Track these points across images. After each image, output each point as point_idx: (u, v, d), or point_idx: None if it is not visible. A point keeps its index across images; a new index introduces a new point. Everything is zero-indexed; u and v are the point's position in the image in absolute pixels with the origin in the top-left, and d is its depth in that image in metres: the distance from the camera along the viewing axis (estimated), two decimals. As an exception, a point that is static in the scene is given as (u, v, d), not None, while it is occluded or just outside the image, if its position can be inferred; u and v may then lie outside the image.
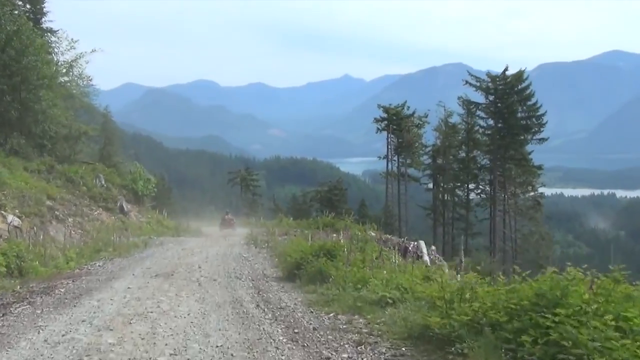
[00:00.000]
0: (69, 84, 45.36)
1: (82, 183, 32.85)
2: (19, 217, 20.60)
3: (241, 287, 14.03)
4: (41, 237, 19.17)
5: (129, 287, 13.34)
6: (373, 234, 32.11)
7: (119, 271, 16.43)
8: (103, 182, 35.71)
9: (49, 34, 45.18)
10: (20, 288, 12.91)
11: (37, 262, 15.62)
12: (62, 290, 12.87)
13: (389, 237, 32.94)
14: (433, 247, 31.11)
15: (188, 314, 10.61)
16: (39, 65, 31.90)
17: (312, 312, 11.16)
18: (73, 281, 14.07)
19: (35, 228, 20.32)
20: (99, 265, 17.74)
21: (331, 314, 10.84)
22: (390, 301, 11.03)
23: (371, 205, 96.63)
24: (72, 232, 25.23)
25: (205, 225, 51.23)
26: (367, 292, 11.87)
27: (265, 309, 11.30)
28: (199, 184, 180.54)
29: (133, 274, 15.61)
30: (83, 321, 9.82)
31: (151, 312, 10.64)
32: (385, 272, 13.81)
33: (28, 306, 11.20)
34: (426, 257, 28.52)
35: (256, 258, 20.72)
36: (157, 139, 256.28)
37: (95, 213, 30.30)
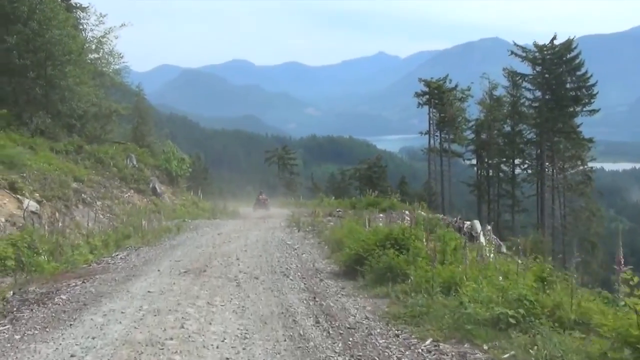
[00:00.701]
0: (99, 61, 43.55)
1: (113, 164, 31.09)
2: (39, 202, 18.76)
3: (291, 289, 11.34)
4: (60, 223, 17.22)
5: (149, 291, 10.81)
6: (423, 213, 29.94)
7: (143, 266, 14.20)
8: (135, 163, 33.89)
9: (78, 10, 43.43)
10: (13, 294, 10.42)
11: (43, 257, 13.24)
12: (64, 297, 10.29)
13: (441, 216, 30.63)
14: (489, 227, 28.73)
15: (222, 340, 7.76)
16: (64, 40, 30.00)
17: (397, 335, 8.13)
18: (83, 282, 11.73)
19: (57, 213, 18.48)
20: (121, 258, 15.61)
21: (428, 341, 7.70)
22: (512, 321, 7.63)
23: (410, 182, 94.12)
24: (101, 216, 23.43)
25: (242, 206, 49.55)
26: (471, 305, 8.31)
27: (330, 330, 8.37)
28: (236, 164, 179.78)
29: (158, 270, 13.35)
30: (72, 357, 7.06)
31: (171, 339, 7.68)
32: (479, 271, 10.66)
33: (9, 326, 8.50)
34: (482, 238, 26.26)
35: (302, 245, 18.30)
36: (193, 119, 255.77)
37: (126, 195, 28.50)
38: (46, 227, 16.16)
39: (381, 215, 29.32)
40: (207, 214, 34.20)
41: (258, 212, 40.35)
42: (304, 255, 16.32)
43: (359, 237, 14.07)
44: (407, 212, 29.76)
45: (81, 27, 42.66)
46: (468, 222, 28.14)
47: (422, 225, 17.32)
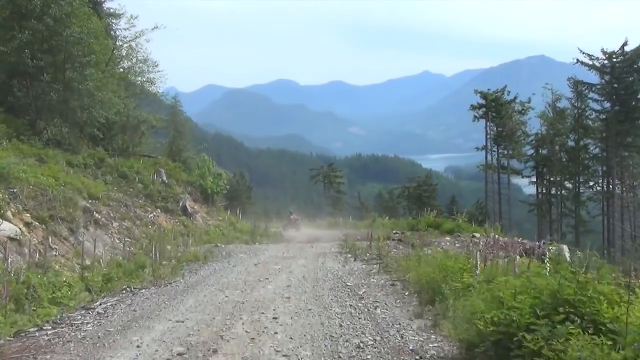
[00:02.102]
0: (131, 70, 40.21)
1: (138, 179, 27.41)
2: (28, 224, 14.93)
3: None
4: (55, 252, 13.38)
5: None
6: (497, 236, 25.58)
7: (111, 337, 9.07)
8: (164, 178, 30.13)
9: (110, 17, 40.26)
10: None
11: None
12: None
13: (519, 239, 26.11)
14: (579, 253, 24.23)
15: None
16: (85, 38, 26.39)
17: None
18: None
19: (50, 239, 14.66)
20: (97, 313, 10.87)
21: None
22: None
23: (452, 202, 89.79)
24: (117, 241, 19.63)
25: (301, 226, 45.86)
26: None
27: None
28: (280, 183, 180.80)
29: (138, 347, 8.45)
30: None
31: None
32: None
33: None
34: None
35: (369, 287, 12.96)
36: (238, 139, 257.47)
37: (151, 215, 24.67)
38: (28, 257, 12.30)
39: (447, 238, 25.16)
40: (246, 236, 30.13)
41: (289, 232, 37.27)
42: (377, 309, 10.76)
43: (501, 295, 7.31)
44: (477, 235, 25.45)
45: (112, 32, 39.52)
46: (552, 247, 23.63)
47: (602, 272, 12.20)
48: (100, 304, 11.61)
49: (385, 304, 11.30)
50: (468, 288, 8.82)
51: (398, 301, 11.49)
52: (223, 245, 23.22)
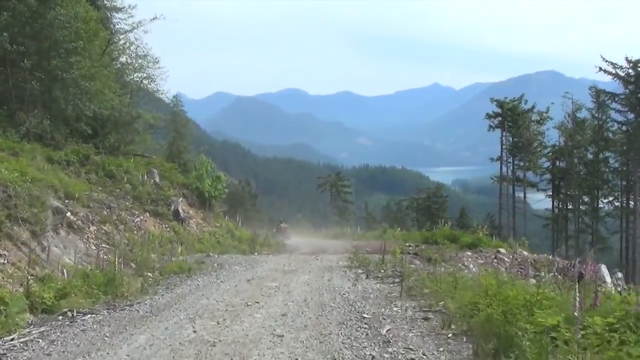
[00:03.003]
0: (130, 66, 37.83)
1: (126, 179, 24.77)
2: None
3: None
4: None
5: None
6: (525, 253, 22.97)
7: None
8: (157, 180, 27.44)
9: (110, 11, 37.88)
10: None
11: None
12: None
13: (549, 257, 23.36)
14: (619, 274, 21.56)
15: None
16: (71, 22, 23.87)
17: None
18: None
19: None
20: None
21: None
22: None
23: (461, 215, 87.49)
24: (93, 247, 17.04)
25: (291, 235, 43.21)
26: None
27: None
28: (287, 191, 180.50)
29: None
30: None
31: None
32: None
33: None
34: (610, 286, 19.22)
35: (394, 320, 9.48)
36: (245, 146, 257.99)
37: (138, 219, 21.99)
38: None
39: (468, 253, 22.52)
40: (245, 246, 27.39)
41: (278, 239, 36.01)
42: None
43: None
44: (502, 250, 22.80)
45: (111, 25, 37.18)
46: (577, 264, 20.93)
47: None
48: (14, 339, 8.30)
49: (424, 354, 7.38)
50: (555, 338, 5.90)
51: (442, 349, 7.62)
52: (216, 256, 20.53)
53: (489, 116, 62.15)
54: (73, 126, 26.92)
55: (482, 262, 20.76)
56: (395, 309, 10.68)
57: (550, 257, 23.19)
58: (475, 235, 26.98)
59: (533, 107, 61.16)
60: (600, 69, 54.34)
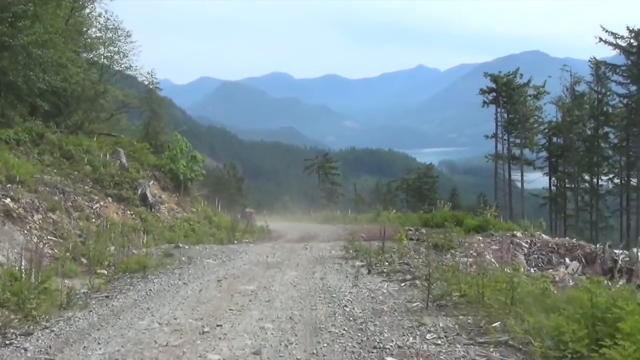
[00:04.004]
0: (99, 40, 34.80)
1: (87, 160, 21.77)
2: None
3: None
4: None
5: None
6: (544, 236, 20.17)
7: None
8: (124, 160, 24.31)
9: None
10: None
11: None
12: None
13: (572, 240, 20.41)
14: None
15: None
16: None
17: None
18: None
19: None
20: None
21: None
22: None
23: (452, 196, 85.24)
24: (35, 240, 14.09)
25: (277, 220, 40.16)
26: None
27: None
28: (274, 175, 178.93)
29: None
30: None
31: None
32: None
33: None
34: (645, 276, 16.44)
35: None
36: (231, 131, 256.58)
37: (97, 205, 18.99)
38: None
39: (479, 237, 19.69)
40: (223, 233, 24.33)
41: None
42: None
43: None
44: (517, 234, 19.94)
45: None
46: (619, 251, 18.03)
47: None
48: None
49: None
50: None
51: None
52: (187, 247, 17.49)
53: (482, 91, 59.36)
54: (34, 104, 23.89)
55: (496, 247, 17.91)
56: (431, 336, 7.05)
57: (574, 240, 20.31)
58: (482, 217, 24.06)
59: (529, 81, 58.44)
60: (601, 39, 51.69)
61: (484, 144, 63.07)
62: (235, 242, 22.16)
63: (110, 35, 35.08)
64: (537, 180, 62.27)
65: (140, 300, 9.82)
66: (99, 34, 35.17)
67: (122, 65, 36.51)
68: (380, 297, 9.62)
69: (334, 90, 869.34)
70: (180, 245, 17.36)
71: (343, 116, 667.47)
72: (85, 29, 34.44)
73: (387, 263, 13.10)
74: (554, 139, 58.93)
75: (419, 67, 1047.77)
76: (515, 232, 19.95)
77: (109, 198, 20.50)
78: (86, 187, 19.93)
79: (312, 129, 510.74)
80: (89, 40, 34.36)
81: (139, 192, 22.15)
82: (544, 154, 59.81)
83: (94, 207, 18.68)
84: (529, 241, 18.65)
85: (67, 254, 13.85)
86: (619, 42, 51.06)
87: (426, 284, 9.33)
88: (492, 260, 16.62)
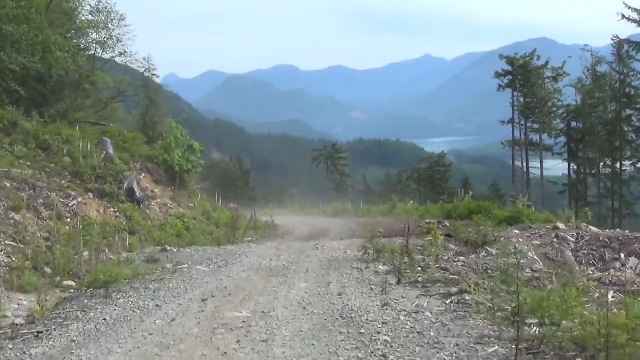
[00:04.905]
0: (92, 23, 32.37)
1: (66, 151, 19.23)
2: None
3: None
4: None
5: None
6: (592, 228, 17.52)
7: None
8: (110, 151, 21.67)
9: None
10: None
11: None
12: None
13: (623, 233, 17.62)
14: None
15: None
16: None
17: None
18: None
19: None
20: None
21: None
22: None
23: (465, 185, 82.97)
24: (-13, 246, 11.61)
25: (284, 213, 37.65)
26: None
27: None
28: (282, 168, 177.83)
29: None
30: None
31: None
32: None
33: None
34: None
35: None
36: (239, 124, 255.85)
37: (75, 202, 16.45)
38: None
39: (516, 232, 17.11)
40: (223, 231, 21.70)
41: None
42: None
43: None
44: (560, 226, 17.24)
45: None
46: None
47: None
48: None
49: None
50: None
51: None
52: (175, 249, 14.92)
53: (498, 75, 56.62)
54: (9, 89, 21.44)
55: (538, 243, 15.32)
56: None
57: (627, 232, 17.58)
58: (516, 208, 21.37)
59: (547, 63, 55.53)
60: (623, 16, 48.68)
61: (492, 133, 60.86)
62: (237, 240, 19.59)
63: (103, 18, 32.66)
64: (553, 167, 59.58)
65: (80, 341, 7.17)
66: (90, 18, 32.77)
67: (116, 51, 34.13)
68: (431, 332, 6.95)
69: (340, 82, 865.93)
70: (169, 248, 14.78)
71: (350, 107, 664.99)
72: (76, 13, 32.05)
73: (420, 268, 10.51)
74: (574, 124, 56.20)
75: (426, 56, 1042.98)
76: (558, 224, 17.27)
77: (90, 193, 17.92)
78: (63, 182, 17.38)
79: (319, 120, 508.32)
80: (79, 23, 31.88)
81: (125, 186, 19.52)
82: (562, 139, 57.03)
83: (70, 205, 16.13)
84: (575, 235, 16.01)
85: (27, 262, 11.38)
86: (642, 19, 48.23)
87: (489, 305, 6.68)
88: (536, 258, 14.13)
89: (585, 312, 6.74)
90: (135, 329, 7.40)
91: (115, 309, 8.49)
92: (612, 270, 12.99)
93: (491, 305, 7.01)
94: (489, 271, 11.19)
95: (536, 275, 11.07)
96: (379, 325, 7.06)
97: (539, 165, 56.69)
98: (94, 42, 32.91)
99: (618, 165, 53.69)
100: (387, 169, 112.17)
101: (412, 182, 78.74)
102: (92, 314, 8.27)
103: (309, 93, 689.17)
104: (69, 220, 15.20)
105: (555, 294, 7.18)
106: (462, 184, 76.19)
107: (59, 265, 11.45)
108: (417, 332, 6.91)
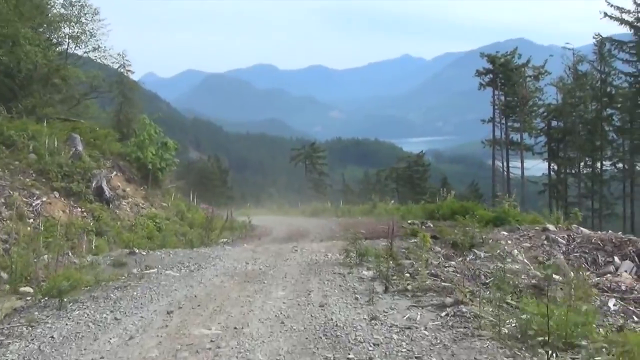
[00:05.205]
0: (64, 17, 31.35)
1: (32, 148, 18.20)
2: None
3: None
4: None
5: None
6: (584, 230, 16.82)
7: None
8: (80, 148, 20.64)
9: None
10: None
11: None
12: None
13: (616, 235, 16.86)
14: None
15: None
16: None
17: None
18: None
19: None
20: None
21: None
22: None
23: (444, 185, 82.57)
24: None
25: (262, 213, 37.09)
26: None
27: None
28: (261, 167, 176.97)
29: None
30: None
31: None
32: None
33: None
34: None
35: None
36: (217, 123, 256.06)
37: (38, 202, 15.46)
38: None
39: (504, 233, 16.40)
40: (196, 232, 20.73)
41: None
42: None
43: None
44: (550, 227, 16.52)
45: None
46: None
47: None
48: None
49: None
50: None
51: None
52: (144, 252, 13.95)
53: (479, 73, 56.12)
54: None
55: (528, 245, 14.59)
56: None
57: (620, 233, 16.84)
58: (502, 208, 20.59)
59: (528, 61, 55.09)
60: (606, 14, 48.28)
61: (470, 132, 60.67)
62: (212, 241, 18.62)
63: (76, 12, 31.63)
64: (533, 167, 59.19)
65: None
66: (62, 11, 31.74)
67: (90, 46, 33.09)
68: (432, 357, 5.97)
69: (319, 81, 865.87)
70: (137, 250, 13.81)
71: (329, 107, 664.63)
72: (48, 6, 31.01)
73: (407, 274, 9.69)
74: (554, 123, 55.84)
75: (405, 56, 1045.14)
76: (546, 225, 16.53)
77: (55, 192, 16.90)
78: (27, 180, 16.38)
79: (298, 120, 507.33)
80: (50, 16, 30.84)
81: (93, 184, 18.51)
82: (542, 138, 56.66)
83: (33, 204, 15.15)
84: (565, 236, 15.29)
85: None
86: (625, 16, 47.86)
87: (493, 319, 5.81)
88: (526, 261, 13.38)
89: (610, 334, 5.93)
90: (85, 349, 6.44)
91: (67, 324, 7.50)
92: (609, 275, 12.28)
93: (494, 320, 6.16)
94: (482, 277, 10.39)
95: (533, 281, 10.27)
96: (370, 348, 6.12)
97: (519, 164, 56.23)
98: (67, 36, 32.09)
99: (598, 165, 53.33)
100: (365, 169, 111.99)
101: (390, 181, 78.40)
102: (39, 330, 7.29)
103: (287, 92, 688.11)
104: (31, 220, 14.24)
105: (573, 311, 6.38)
106: (440, 183, 75.92)
107: (17, 270, 10.50)
108: (410, 349, 6.07)
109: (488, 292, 8.19)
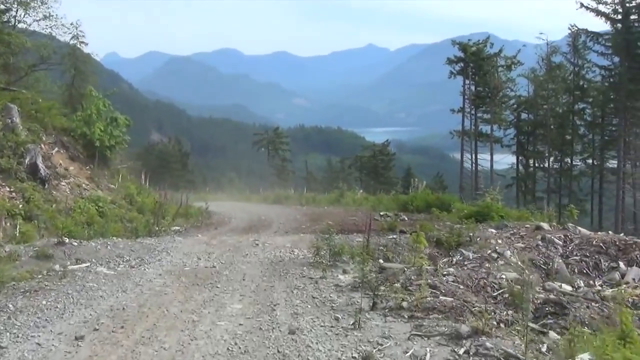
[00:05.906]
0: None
1: (-49, 120, 15.89)
2: None
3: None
4: None
5: None
6: (582, 229, 15.06)
7: None
8: (16, 120, 18.22)
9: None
10: None
11: None
12: None
13: (616, 235, 15.13)
14: None
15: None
16: None
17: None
18: None
19: None
20: None
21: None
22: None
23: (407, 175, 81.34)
24: None
25: (222, 198, 35.41)
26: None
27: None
28: (222, 152, 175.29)
29: None
30: None
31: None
32: None
33: None
34: None
35: None
36: (180, 106, 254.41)
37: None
38: None
39: (492, 231, 14.62)
40: (146, 218, 18.54)
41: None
42: None
43: None
44: (544, 226, 14.71)
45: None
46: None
47: None
48: None
49: None
50: None
51: None
52: (76, 242, 11.77)
53: (450, 61, 54.43)
54: None
55: (521, 245, 12.80)
56: None
57: (622, 235, 15.13)
58: (485, 202, 18.61)
59: (500, 50, 53.50)
60: (582, 4, 46.74)
61: (433, 124, 59.05)
62: (161, 232, 16.44)
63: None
64: (501, 160, 57.88)
65: None
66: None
67: (40, 14, 30.71)
68: None
69: (284, 68, 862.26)
70: (68, 240, 11.61)
71: (293, 94, 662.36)
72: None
73: (398, 284, 7.72)
74: (524, 115, 54.53)
75: (369, 46, 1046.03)
76: (540, 223, 14.72)
77: (-20, 171, 14.66)
78: (-54, 155, 14.12)
79: (261, 106, 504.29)
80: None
81: (27, 161, 16.21)
82: (512, 131, 55.28)
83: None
84: (562, 237, 13.51)
85: None
86: (601, 7, 46.40)
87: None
88: (519, 263, 11.54)
89: None
90: None
91: None
92: (624, 286, 10.47)
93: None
94: (489, 289, 8.51)
95: (551, 296, 8.40)
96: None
97: (487, 157, 54.82)
98: (15, 1, 29.67)
99: (568, 160, 52.14)
100: (328, 156, 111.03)
101: (354, 170, 76.93)
102: None
103: (252, 78, 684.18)
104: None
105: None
106: (404, 173, 74.80)
107: None
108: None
109: (505, 313, 6.30)
